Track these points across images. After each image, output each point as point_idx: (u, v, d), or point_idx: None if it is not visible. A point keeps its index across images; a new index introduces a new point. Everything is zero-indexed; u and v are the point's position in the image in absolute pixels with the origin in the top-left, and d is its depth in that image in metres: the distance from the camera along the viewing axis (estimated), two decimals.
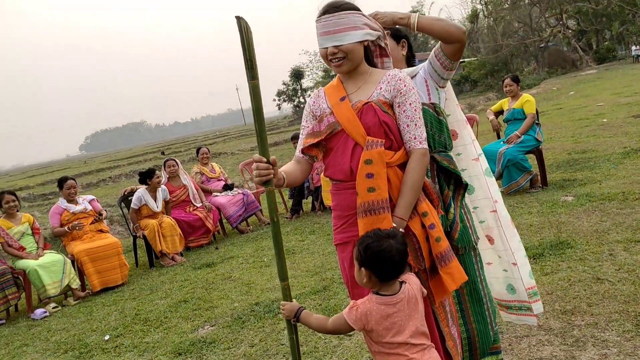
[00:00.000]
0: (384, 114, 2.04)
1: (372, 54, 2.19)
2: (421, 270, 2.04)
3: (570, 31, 39.57)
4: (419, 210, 2.04)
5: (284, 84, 53.17)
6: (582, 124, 10.83)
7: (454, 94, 2.54)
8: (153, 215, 6.91)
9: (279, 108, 54.28)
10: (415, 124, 2.05)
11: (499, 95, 33.64)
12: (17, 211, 5.98)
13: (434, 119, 2.28)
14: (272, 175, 1.95)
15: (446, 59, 2.32)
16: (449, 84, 2.48)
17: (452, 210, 2.26)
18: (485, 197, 2.50)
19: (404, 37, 2.56)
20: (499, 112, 6.90)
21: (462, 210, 2.36)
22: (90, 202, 6.48)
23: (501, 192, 6.43)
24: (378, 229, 1.90)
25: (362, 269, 1.86)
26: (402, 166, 2.06)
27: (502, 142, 6.51)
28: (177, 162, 7.62)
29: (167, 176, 7.46)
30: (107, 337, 4.31)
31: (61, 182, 6.32)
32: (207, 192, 7.90)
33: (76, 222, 6.11)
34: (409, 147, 2.07)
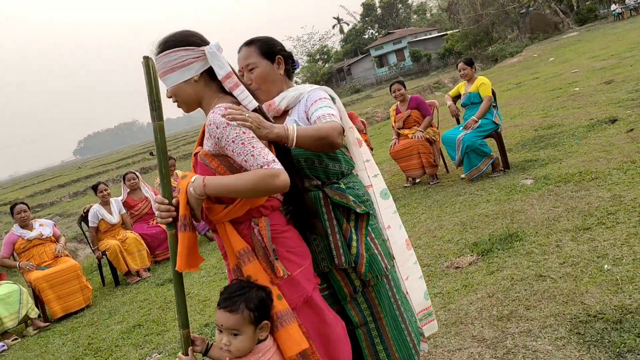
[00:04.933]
0: (206, 169, 1.87)
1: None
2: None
3: None
4: (245, 272, 1.86)
5: None
6: (554, 95, 10.64)
7: (346, 113, 2.32)
8: (112, 229, 6.75)
9: None
10: (252, 155, 1.76)
11: (484, 66, 33.31)
12: None
13: None
14: (172, 218, 1.88)
15: None
16: (338, 101, 2.30)
17: (354, 244, 2.12)
18: (379, 222, 2.34)
19: (278, 53, 2.24)
20: (457, 97, 6.73)
21: (368, 238, 2.20)
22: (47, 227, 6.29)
23: (462, 178, 6.38)
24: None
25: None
26: (238, 221, 1.89)
27: (460, 128, 6.35)
28: (137, 175, 7.45)
29: (128, 190, 7.30)
30: None
31: (12, 208, 6.15)
32: None
33: (27, 263, 5.91)
34: None
